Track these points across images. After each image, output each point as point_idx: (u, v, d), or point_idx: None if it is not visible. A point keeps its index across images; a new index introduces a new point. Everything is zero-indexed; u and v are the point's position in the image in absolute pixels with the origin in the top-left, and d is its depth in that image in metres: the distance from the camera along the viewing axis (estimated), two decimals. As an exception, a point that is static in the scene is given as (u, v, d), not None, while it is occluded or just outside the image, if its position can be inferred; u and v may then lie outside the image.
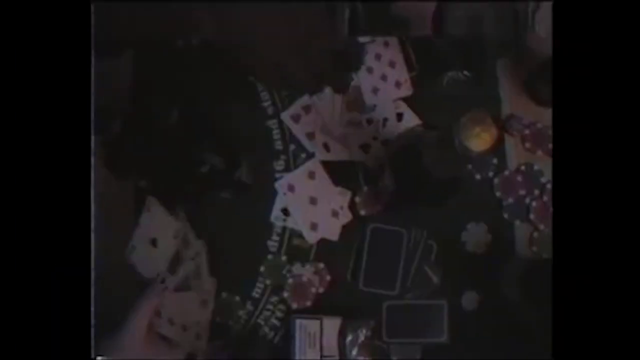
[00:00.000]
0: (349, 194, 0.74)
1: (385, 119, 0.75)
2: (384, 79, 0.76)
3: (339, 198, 0.73)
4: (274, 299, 0.75)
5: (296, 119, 0.75)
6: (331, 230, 0.74)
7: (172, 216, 0.71)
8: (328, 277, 0.75)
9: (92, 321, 0.46)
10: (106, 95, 0.64)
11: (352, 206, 0.75)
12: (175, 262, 0.70)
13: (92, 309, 0.46)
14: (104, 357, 0.60)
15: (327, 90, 0.74)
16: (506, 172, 0.76)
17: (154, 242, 0.70)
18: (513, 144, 0.76)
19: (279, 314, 0.75)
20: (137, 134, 0.61)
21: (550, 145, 0.75)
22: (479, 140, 0.47)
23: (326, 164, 0.74)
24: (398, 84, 0.76)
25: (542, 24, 0.79)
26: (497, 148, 0.62)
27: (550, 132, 0.75)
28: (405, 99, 0.77)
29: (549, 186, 0.75)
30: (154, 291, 0.66)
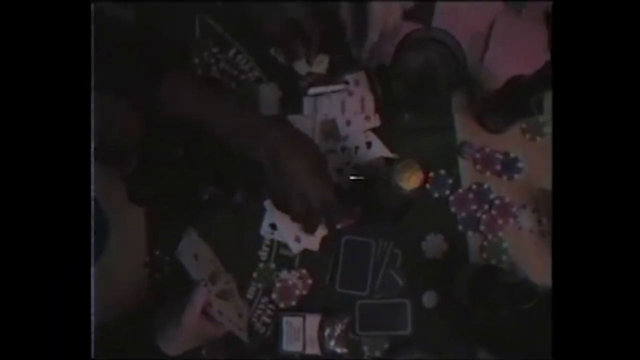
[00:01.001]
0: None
1: (357, 147, 0.83)
2: (356, 113, 0.84)
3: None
4: (265, 299, 0.82)
5: None
6: (312, 242, 0.82)
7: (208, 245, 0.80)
8: (310, 281, 0.82)
9: (92, 321, 0.46)
10: (123, 136, 0.76)
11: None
12: (213, 278, 0.77)
13: (92, 309, 0.46)
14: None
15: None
16: (460, 190, 0.83)
17: (196, 257, 0.80)
18: (466, 166, 0.83)
19: (269, 312, 0.82)
20: (151, 169, 0.72)
21: (498, 167, 0.82)
22: (409, 182, 0.57)
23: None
24: (367, 117, 0.84)
25: (490, 60, 0.86)
26: (424, 186, 0.70)
27: (497, 155, 0.83)
28: (373, 130, 0.84)
29: (497, 202, 0.82)
30: (201, 291, 0.71)
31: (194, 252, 0.80)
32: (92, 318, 0.46)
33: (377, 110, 0.84)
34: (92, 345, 0.46)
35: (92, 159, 0.47)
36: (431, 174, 0.83)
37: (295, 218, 0.73)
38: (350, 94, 0.84)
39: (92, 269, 0.46)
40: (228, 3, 0.86)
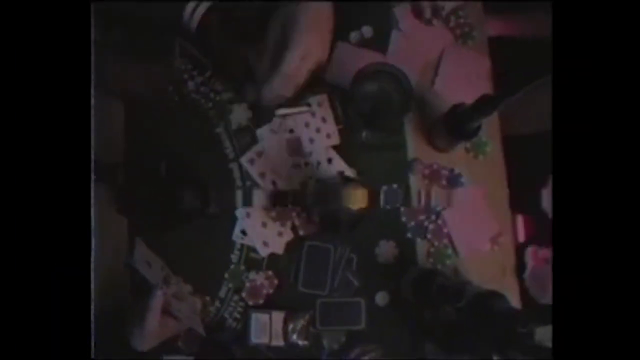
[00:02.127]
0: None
1: (319, 163, 0.92)
2: (318, 131, 0.93)
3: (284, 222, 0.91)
4: (235, 298, 0.90)
5: (251, 162, 0.92)
6: (278, 246, 0.91)
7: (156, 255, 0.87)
8: (275, 281, 0.90)
9: (92, 321, 0.46)
10: (108, 154, 0.85)
11: (294, 228, 0.91)
12: (166, 281, 0.85)
13: (92, 309, 0.47)
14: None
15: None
16: (410, 202, 0.92)
17: (148, 264, 0.86)
18: (415, 180, 0.93)
19: (239, 309, 0.90)
20: (136, 183, 0.80)
21: (444, 181, 0.93)
22: (356, 203, 0.67)
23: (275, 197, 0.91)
24: (329, 135, 0.92)
25: (439, 86, 0.96)
26: (371, 206, 0.78)
27: (443, 171, 0.93)
28: (334, 147, 0.92)
29: (442, 212, 0.92)
30: (158, 295, 0.77)
31: (146, 259, 0.87)
32: (92, 318, 0.46)
33: (337, 129, 0.93)
34: (92, 345, 0.47)
35: (92, 157, 0.48)
36: (384, 188, 0.93)
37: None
38: (313, 114, 0.93)
39: (92, 269, 0.47)
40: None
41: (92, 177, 0.49)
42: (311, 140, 0.93)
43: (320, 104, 0.94)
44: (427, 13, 0.93)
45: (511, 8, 1.14)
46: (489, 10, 1.01)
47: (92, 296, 0.47)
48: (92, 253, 0.54)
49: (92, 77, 0.49)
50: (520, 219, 1.14)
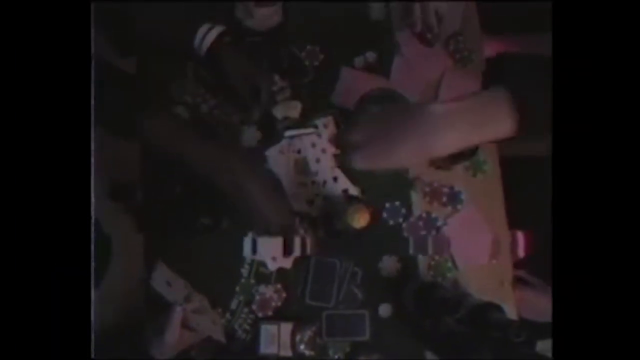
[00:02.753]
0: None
1: (325, 181, 0.97)
2: (324, 152, 0.97)
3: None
4: (246, 310, 0.94)
5: None
6: (286, 261, 0.95)
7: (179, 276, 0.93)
8: (284, 294, 0.95)
9: (92, 322, 0.46)
10: (129, 176, 0.90)
11: (303, 244, 0.94)
12: (189, 298, 0.89)
13: (92, 309, 0.46)
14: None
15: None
16: (411, 219, 0.97)
17: (168, 284, 0.91)
18: (416, 198, 0.98)
19: (249, 321, 0.94)
20: (153, 203, 0.86)
21: (444, 198, 0.99)
22: (358, 222, 0.72)
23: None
24: (334, 156, 0.98)
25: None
26: (373, 224, 0.83)
27: (444, 189, 0.98)
28: (339, 167, 0.97)
29: (443, 228, 0.97)
30: (177, 311, 0.83)
31: (167, 280, 0.92)
32: (92, 318, 0.45)
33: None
34: (92, 345, 0.45)
35: (92, 158, 0.47)
36: (387, 205, 0.98)
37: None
38: (320, 135, 0.99)
39: (92, 270, 0.46)
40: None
41: (92, 176, 0.48)
42: (317, 160, 0.98)
43: (326, 126, 0.99)
44: (418, 27, 0.97)
45: (510, 29, 1.19)
46: (488, 31, 1.06)
47: (92, 296, 0.46)
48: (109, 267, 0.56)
49: (92, 76, 0.48)
50: (520, 236, 1.19)
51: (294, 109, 1.00)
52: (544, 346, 1.03)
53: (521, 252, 1.26)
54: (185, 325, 0.85)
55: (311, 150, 0.98)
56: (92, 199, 0.47)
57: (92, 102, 0.47)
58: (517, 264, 1.05)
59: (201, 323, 0.88)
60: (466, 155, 0.90)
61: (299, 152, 0.99)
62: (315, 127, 0.98)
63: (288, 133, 0.97)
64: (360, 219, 0.72)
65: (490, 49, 1.11)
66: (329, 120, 0.99)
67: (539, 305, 0.98)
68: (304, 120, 0.99)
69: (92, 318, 0.46)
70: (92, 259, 0.46)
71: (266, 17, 0.96)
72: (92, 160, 0.47)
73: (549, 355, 0.88)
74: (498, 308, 0.84)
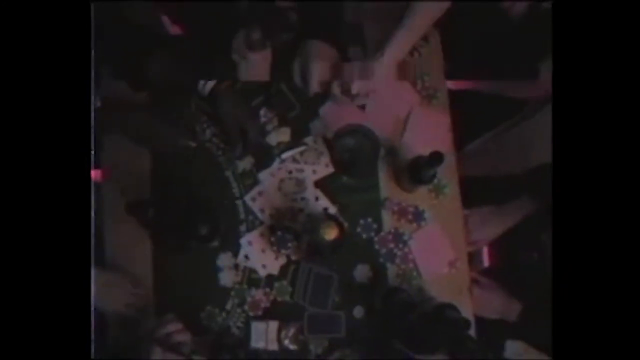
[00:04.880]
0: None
1: (308, 200, 1.12)
2: (315, 173, 1.13)
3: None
4: (239, 310, 1.09)
5: (254, 199, 1.13)
6: (274, 269, 1.10)
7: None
8: (272, 297, 1.09)
9: (92, 322, 0.46)
10: (137, 192, 1.06)
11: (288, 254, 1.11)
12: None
13: (92, 309, 0.45)
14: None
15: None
16: (382, 233, 1.12)
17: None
18: (386, 215, 1.13)
19: (242, 319, 1.09)
20: (162, 217, 1.01)
21: (410, 217, 1.14)
22: (329, 235, 0.88)
23: (272, 229, 1.11)
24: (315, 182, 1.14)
25: (407, 138, 1.17)
26: (341, 237, 0.95)
27: (409, 208, 1.13)
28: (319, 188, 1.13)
29: (409, 242, 1.12)
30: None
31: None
32: (92, 318, 0.45)
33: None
34: (92, 345, 0.45)
35: (92, 159, 0.48)
36: (361, 222, 1.13)
37: None
38: (306, 162, 1.15)
39: (92, 270, 0.45)
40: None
41: (92, 180, 0.50)
42: (303, 182, 1.15)
43: (315, 141, 1.16)
44: (337, 90, 1.10)
45: (473, 75, 1.35)
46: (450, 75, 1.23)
47: (93, 297, 0.46)
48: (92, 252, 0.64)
49: (92, 77, 0.48)
50: (484, 249, 1.36)
51: (285, 134, 1.17)
52: (514, 347, 1.19)
53: (486, 262, 1.43)
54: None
55: (299, 174, 1.15)
56: (92, 200, 0.47)
57: (93, 103, 0.47)
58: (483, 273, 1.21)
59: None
60: (425, 181, 1.06)
61: (290, 173, 1.15)
62: (306, 144, 1.14)
63: (284, 155, 1.14)
64: (330, 233, 0.88)
65: (454, 85, 1.27)
66: (317, 137, 1.16)
67: (491, 303, 1.14)
68: (295, 141, 1.15)
69: (92, 318, 0.46)
70: (92, 258, 0.46)
71: (258, 61, 1.12)
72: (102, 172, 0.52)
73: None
74: (453, 308, 1.00)
